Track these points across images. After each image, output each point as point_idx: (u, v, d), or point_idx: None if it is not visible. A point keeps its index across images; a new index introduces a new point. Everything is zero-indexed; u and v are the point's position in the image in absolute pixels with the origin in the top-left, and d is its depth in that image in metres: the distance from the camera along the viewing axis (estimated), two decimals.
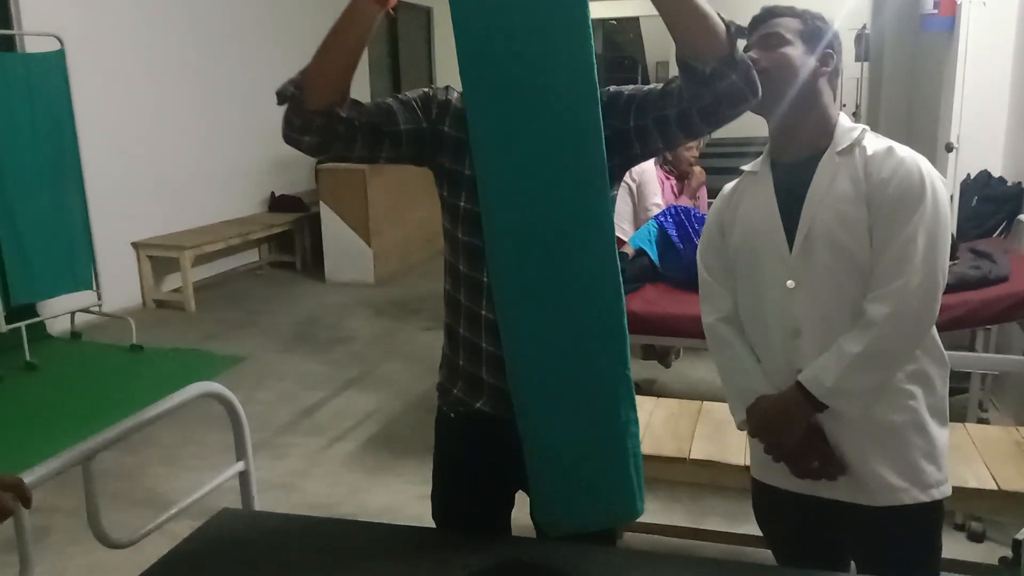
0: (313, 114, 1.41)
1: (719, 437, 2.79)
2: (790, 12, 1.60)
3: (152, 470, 3.52)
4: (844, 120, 1.60)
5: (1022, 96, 4.40)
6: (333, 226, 6.82)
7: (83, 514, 1.58)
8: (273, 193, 7.50)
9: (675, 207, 3.68)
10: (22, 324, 4.73)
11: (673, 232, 3.57)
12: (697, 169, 4.20)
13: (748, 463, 2.67)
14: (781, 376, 1.59)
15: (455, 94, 1.55)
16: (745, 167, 1.71)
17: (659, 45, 13.34)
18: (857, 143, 1.55)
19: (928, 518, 1.59)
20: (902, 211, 1.47)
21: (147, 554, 1.60)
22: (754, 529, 2.86)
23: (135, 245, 6.08)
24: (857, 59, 8.84)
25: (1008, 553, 2.65)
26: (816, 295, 1.54)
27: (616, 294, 1.39)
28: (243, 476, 1.91)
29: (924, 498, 1.55)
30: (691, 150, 4.08)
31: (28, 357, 4.72)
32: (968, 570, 2.56)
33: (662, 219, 3.60)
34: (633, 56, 15.09)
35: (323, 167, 7.09)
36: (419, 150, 1.53)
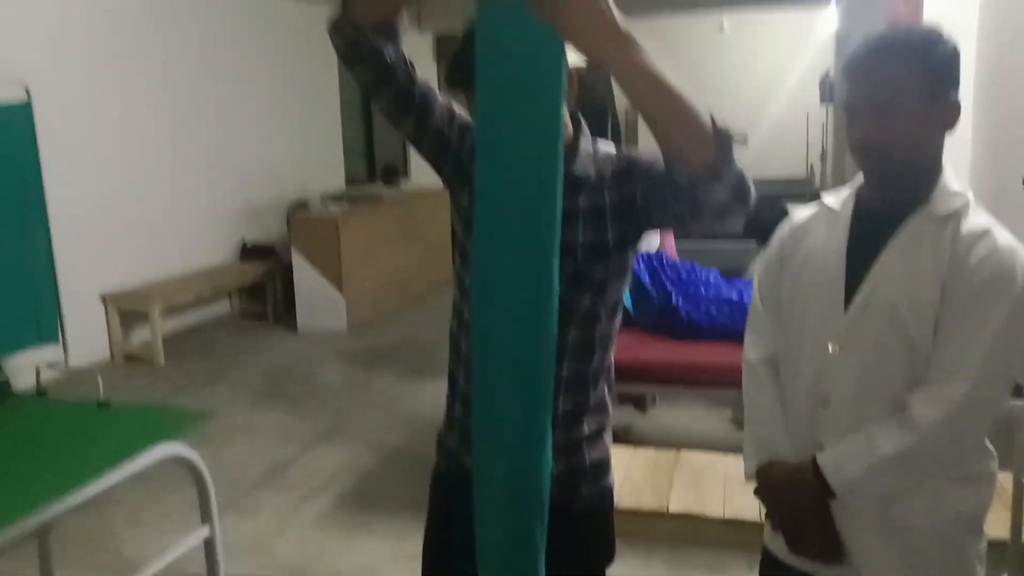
0: (347, 23, 1.35)
1: (697, 486, 2.77)
2: (912, 57, 1.31)
3: (117, 533, 3.40)
4: (949, 180, 1.38)
5: (983, 128, 4.49)
6: (305, 274, 6.75)
7: None
8: (244, 242, 7.44)
9: (647, 253, 3.69)
10: None
11: (646, 279, 3.58)
12: None
13: (726, 516, 2.66)
14: (799, 439, 1.48)
15: None
16: (826, 199, 1.53)
17: None
18: (955, 215, 1.35)
19: None
20: (980, 306, 1.29)
21: None
22: None
23: (104, 297, 5.98)
24: (822, 101, 9.02)
25: None
26: (857, 367, 1.39)
27: (541, 382, 1.17)
28: (208, 543, 1.85)
29: None
30: None
31: None
32: None
33: (635, 265, 3.60)
34: (603, 103, 15.29)
35: (295, 216, 7.05)
36: (438, 158, 1.51)
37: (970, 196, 1.39)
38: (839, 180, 7.58)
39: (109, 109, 6.03)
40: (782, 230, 1.60)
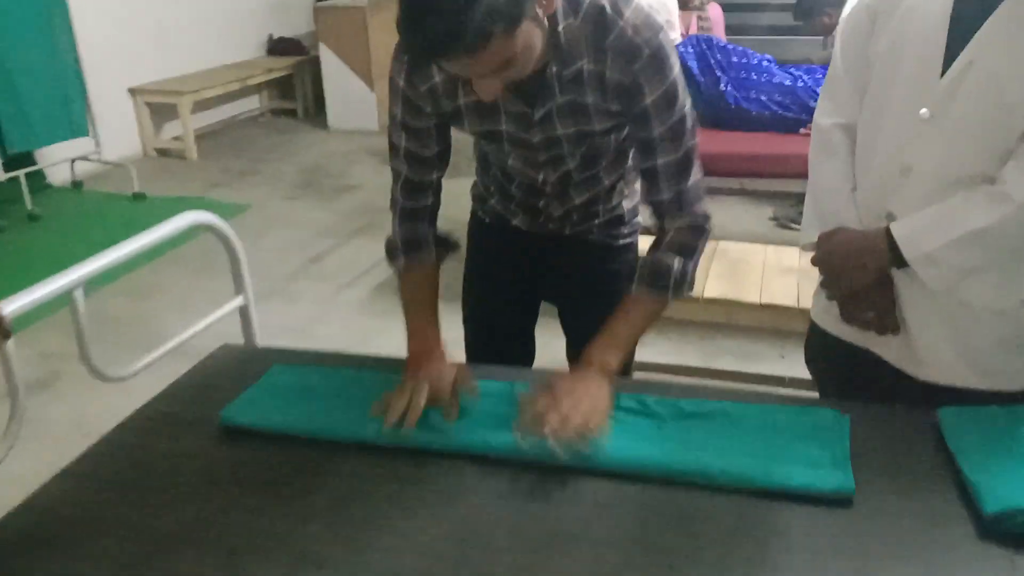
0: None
1: (733, 275, 2.72)
2: None
3: (161, 315, 3.50)
4: None
5: None
6: (334, 70, 6.53)
7: (93, 358, 1.53)
8: (271, 36, 7.17)
9: (697, 36, 3.45)
10: (21, 172, 4.62)
11: (693, 63, 3.36)
12: None
13: (762, 301, 2.63)
14: (869, 210, 1.38)
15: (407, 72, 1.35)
16: None
17: None
18: None
19: None
20: None
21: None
22: (766, 368, 2.85)
23: (132, 91, 5.86)
24: None
25: None
26: (948, 135, 1.26)
27: None
28: (243, 311, 1.85)
29: (980, 385, 1.35)
30: None
31: (29, 207, 4.63)
32: None
33: (682, 49, 3.37)
34: None
35: (321, 5, 6.73)
36: (461, 127, 1.44)
37: None
38: None
39: None
40: None
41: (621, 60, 1.24)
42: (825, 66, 3.59)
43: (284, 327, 3.33)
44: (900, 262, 1.31)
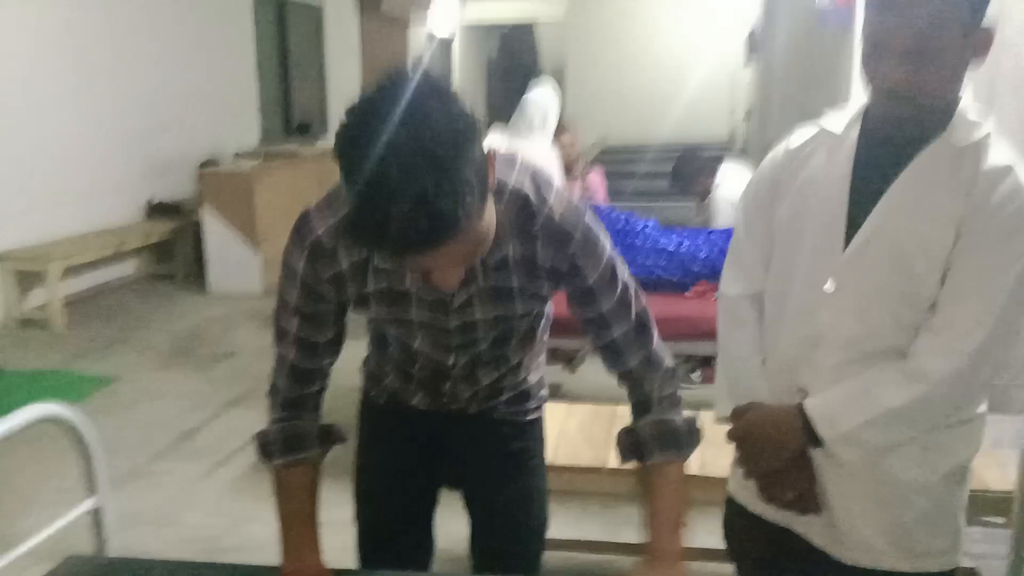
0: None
1: None
2: None
3: (3, 509, 3.10)
4: (968, 107, 1.22)
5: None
6: (217, 232, 6.38)
7: None
8: (150, 200, 6.99)
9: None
10: None
11: None
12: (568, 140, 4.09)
13: None
14: (780, 382, 1.35)
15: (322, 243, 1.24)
16: (825, 122, 1.35)
17: (555, 52, 13.35)
18: (974, 148, 1.19)
19: None
20: (1000, 251, 1.16)
21: None
22: None
23: None
24: (748, 60, 8.96)
25: None
26: (855, 307, 1.26)
27: None
28: (95, 515, 1.62)
29: (906, 567, 1.31)
30: (572, 145, 4.00)
31: None
32: None
33: None
34: (527, 63, 15.07)
35: (206, 172, 6.66)
36: (356, 307, 1.36)
37: (991, 127, 1.23)
38: (762, 142, 7.58)
39: (5, 56, 5.50)
40: (776, 154, 1.41)
41: (553, 246, 1.22)
42: (703, 229, 3.76)
43: (147, 516, 3.01)
44: (816, 441, 1.27)
